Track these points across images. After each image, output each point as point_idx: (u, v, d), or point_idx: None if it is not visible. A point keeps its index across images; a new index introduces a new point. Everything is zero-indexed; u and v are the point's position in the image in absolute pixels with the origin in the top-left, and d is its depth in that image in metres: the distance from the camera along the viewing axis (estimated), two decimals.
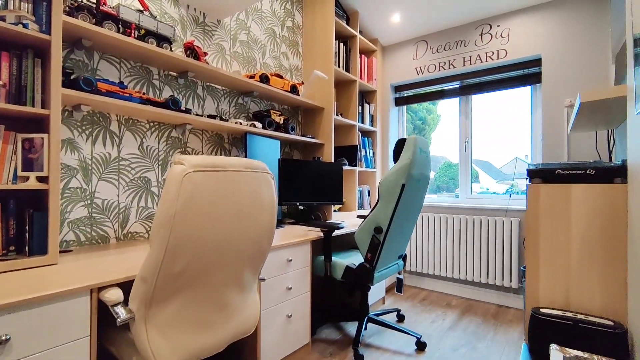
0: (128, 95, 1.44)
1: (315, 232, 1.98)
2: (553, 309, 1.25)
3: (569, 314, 1.19)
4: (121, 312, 0.94)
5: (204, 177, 0.94)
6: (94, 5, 1.33)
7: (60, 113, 1.16)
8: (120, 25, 1.41)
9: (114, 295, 0.97)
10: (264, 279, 1.42)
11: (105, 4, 1.37)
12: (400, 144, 1.83)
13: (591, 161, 1.34)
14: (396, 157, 1.85)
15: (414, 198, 1.88)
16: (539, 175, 1.39)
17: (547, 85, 2.52)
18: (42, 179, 1.16)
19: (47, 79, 1.16)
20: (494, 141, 3.06)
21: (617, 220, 1.19)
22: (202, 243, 0.96)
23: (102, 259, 1.25)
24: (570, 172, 1.31)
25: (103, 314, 1.18)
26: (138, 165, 1.67)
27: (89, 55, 1.49)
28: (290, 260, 1.70)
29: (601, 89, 1.26)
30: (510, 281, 2.65)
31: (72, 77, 1.31)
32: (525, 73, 2.68)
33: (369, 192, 3.24)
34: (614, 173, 1.24)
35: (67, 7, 1.27)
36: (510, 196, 2.78)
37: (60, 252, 1.35)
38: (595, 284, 1.21)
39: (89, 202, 1.49)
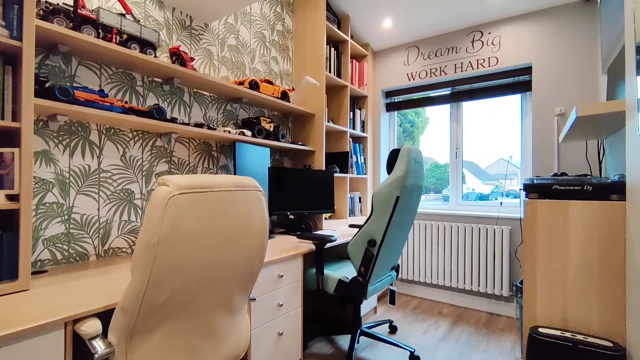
0: (109, 104, 1.35)
1: (307, 244, 1.92)
2: (551, 328, 1.23)
3: (567, 334, 1.17)
4: (99, 346, 0.87)
5: (190, 199, 0.87)
6: (71, 9, 1.24)
7: (32, 125, 1.07)
8: (100, 30, 1.32)
9: (92, 327, 0.89)
10: (254, 299, 1.35)
11: (84, 7, 1.28)
12: (394, 155, 1.79)
13: (588, 176, 1.33)
14: (390, 167, 1.81)
15: (407, 209, 1.84)
16: (536, 190, 1.37)
17: (537, 94, 2.53)
18: (13, 197, 1.07)
19: (18, 88, 1.07)
20: (482, 144, 3.07)
21: (615, 239, 1.17)
22: (188, 270, 0.90)
23: (79, 281, 1.16)
24: (567, 187, 1.29)
25: (79, 347, 1.10)
26: (120, 176, 1.58)
27: (66, 60, 1.39)
28: (282, 276, 1.64)
29: (598, 103, 1.24)
30: (501, 289, 2.65)
31: (47, 85, 1.22)
32: (516, 81, 2.69)
33: (360, 198, 3.21)
34: (611, 189, 1.23)
35: (41, 11, 1.18)
36: (501, 204, 2.79)
37: (34, 273, 1.25)
38: (594, 302, 1.19)
39: (66, 217, 1.40)
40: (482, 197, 3.82)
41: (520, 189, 2.75)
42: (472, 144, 3.08)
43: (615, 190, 1.22)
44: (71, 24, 1.24)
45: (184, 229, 0.86)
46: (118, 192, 1.57)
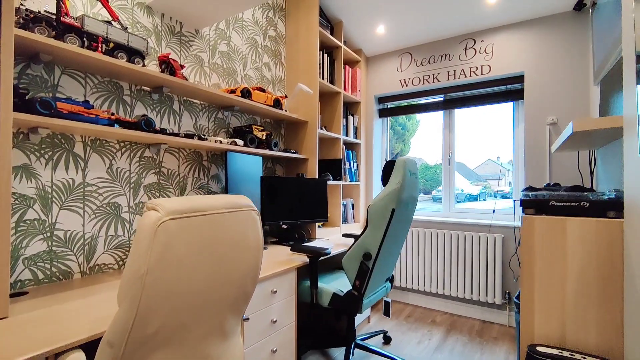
0: (94, 116, 1.29)
1: (300, 257, 1.88)
2: (549, 346, 1.22)
3: (565, 353, 1.16)
4: None
5: (181, 225, 0.83)
6: (54, 17, 1.17)
7: (10, 141, 1.00)
8: (85, 39, 1.26)
9: None
10: (248, 319, 1.31)
11: (67, 14, 1.21)
12: (389, 166, 1.76)
13: (584, 192, 1.33)
14: (385, 179, 1.78)
15: (402, 220, 1.82)
16: (532, 205, 1.37)
17: (529, 103, 2.55)
18: None
19: None
20: (471, 146, 3.09)
21: (613, 257, 1.17)
22: (180, 298, 0.85)
23: (62, 305, 1.10)
24: (564, 204, 1.28)
25: None
26: (107, 190, 1.51)
27: (48, 70, 1.33)
28: (275, 291, 1.60)
29: (594, 119, 1.24)
30: (494, 297, 2.65)
31: (27, 97, 1.15)
32: (508, 89, 2.71)
33: (352, 205, 3.18)
34: (607, 206, 1.23)
35: (21, 19, 1.11)
36: (494, 212, 2.80)
37: (14, 295, 1.18)
38: (592, 321, 1.19)
39: (48, 234, 1.33)
40: (471, 198, 3.85)
41: (514, 201, 2.76)
42: (461, 146, 3.09)
43: (611, 207, 1.22)
44: (54, 32, 1.18)
45: (175, 256, 0.82)
46: (104, 206, 1.51)
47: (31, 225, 1.28)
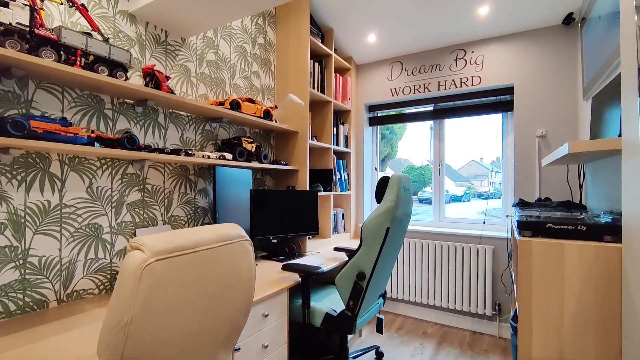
0: (72, 135, 1.20)
1: (292, 275, 1.82)
2: None
3: None
4: None
5: (169, 265, 0.76)
6: (27, 29, 1.08)
7: None
8: (62, 52, 1.17)
9: None
10: (239, 349, 1.24)
11: (42, 25, 1.12)
12: (383, 183, 1.73)
13: (580, 214, 1.32)
14: (378, 195, 1.75)
15: (396, 236, 1.79)
16: (529, 227, 1.35)
17: (519, 115, 2.56)
18: None
19: None
20: (458, 149, 3.12)
21: (611, 282, 1.16)
22: (167, 347, 0.78)
23: (36, 344, 1.01)
24: (561, 227, 1.28)
25: None
26: (86, 210, 1.42)
27: (21, 84, 1.23)
28: (267, 315, 1.54)
29: (591, 141, 1.24)
30: (485, 308, 2.66)
31: None
32: (498, 100, 2.72)
33: (343, 215, 3.14)
34: (604, 230, 1.22)
35: None
36: (484, 222, 2.80)
37: None
38: (590, 346, 1.17)
39: (21, 262, 1.23)
40: (455, 199, 3.87)
41: (507, 216, 2.77)
42: (447, 148, 3.11)
43: (608, 231, 1.21)
44: (27, 45, 1.09)
45: (162, 301, 0.75)
46: (83, 227, 1.41)
47: (1, 252, 1.18)
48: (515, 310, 1.50)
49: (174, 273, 0.77)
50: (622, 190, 1.15)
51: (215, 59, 2.07)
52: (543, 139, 2.46)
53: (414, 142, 3.43)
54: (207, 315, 0.88)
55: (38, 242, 1.27)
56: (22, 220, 1.23)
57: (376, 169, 3.46)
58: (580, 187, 2.08)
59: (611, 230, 1.22)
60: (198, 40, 1.96)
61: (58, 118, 1.27)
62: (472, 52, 2.74)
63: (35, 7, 1.09)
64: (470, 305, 2.71)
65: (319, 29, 2.76)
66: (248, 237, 1.02)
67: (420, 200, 3.82)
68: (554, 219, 1.31)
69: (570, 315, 1.23)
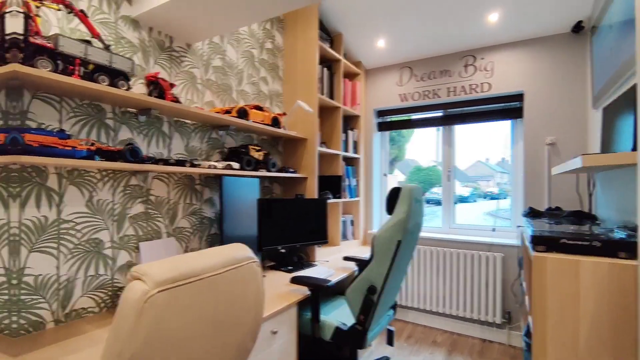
0: (70, 148, 1.13)
1: (300, 288, 1.74)
2: None
3: None
4: None
5: (173, 296, 0.68)
6: (22, 37, 1.02)
7: None
8: (59, 61, 1.11)
9: None
10: None
11: (38, 33, 1.06)
12: (394, 194, 1.64)
13: (595, 232, 1.25)
14: (389, 207, 1.66)
15: (408, 248, 1.70)
16: (543, 242, 1.29)
17: (528, 122, 2.49)
18: None
19: None
20: (465, 150, 3.03)
21: (626, 302, 1.09)
22: None
23: None
24: (576, 242, 1.21)
25: None
26: (86, 225, 1.35)
27: (16, 95, 1.17)
28: (276, 332, 1.45)
29: (605, 155, 1.20)
30: (494, 316, 2.58)
31: None
32: (507, 107, 2.64)
33: (352, 222, 3.05)
34: (619, 247, 1.16)
35: None
36: (493, 230, 2.71)
37: None
38: None
39: (15, 282, 1.16)
40: (462, 200, 3.77)
41: (518, 226, 2.67)
42: (459, 153, 3.02)
43: (623, 247, 1.15)
44: (21, 55, 1.02)
45: (165, 334, 0.67)
46: (83, 243, 1.34)
47: None
48: (528, 325, 1.42)
49: (178, 304, 0.69)
50: (637, 206, 1.07)
51: (221, 64, 2.00)
52: (552, 147, 2.37)
53: (421, 143, 3.37)
54: (214, 343, 0.81)
55: (34, 261, 1.20)
56: (17, 239, 1.16)
57: (385, 174, 3.37)
58: (590, 195, 1.98)
59: (626, 247, 1.17)
60: (204, 45, 1.89)
61: (56, 130, 1.21)
62: (482, 58, 2.65)
63: (30, 15, 1.03)
64: (480, 313, 2.63)
65: (328, 34, 2.68)
66: (256, 258, 0.94)
67: (427, 202, 3.73)
68: (567, 234, 1.26)
69: (586, 334, 1.17)
